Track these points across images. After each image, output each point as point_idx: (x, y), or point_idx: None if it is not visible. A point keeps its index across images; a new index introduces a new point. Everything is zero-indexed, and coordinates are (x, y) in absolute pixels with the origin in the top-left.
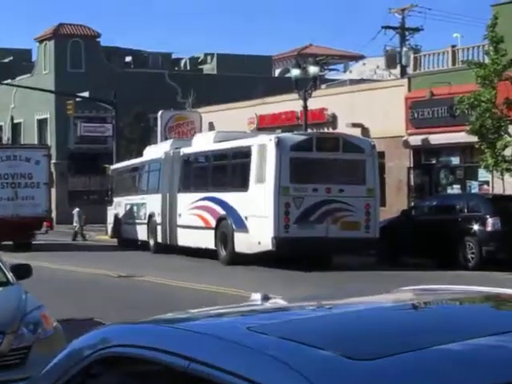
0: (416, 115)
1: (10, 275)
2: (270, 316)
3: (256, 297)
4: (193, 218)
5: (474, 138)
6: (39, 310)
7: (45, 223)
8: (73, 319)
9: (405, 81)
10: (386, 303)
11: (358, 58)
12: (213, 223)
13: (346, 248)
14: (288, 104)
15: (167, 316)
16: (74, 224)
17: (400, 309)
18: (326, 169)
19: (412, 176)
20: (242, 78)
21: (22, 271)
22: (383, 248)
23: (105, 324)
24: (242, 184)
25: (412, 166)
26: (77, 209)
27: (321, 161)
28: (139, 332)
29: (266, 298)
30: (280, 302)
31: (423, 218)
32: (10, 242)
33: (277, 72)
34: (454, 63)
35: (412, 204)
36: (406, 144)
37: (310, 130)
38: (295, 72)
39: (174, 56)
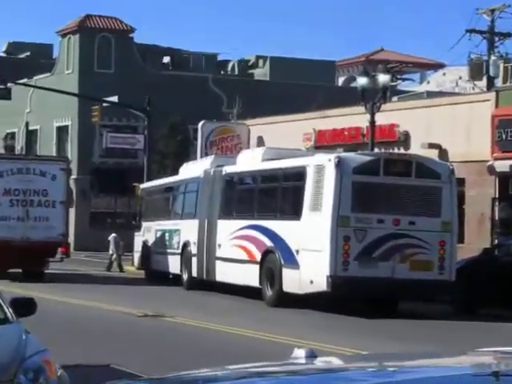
0: (504, 136)
1: (8, 311)
2: (310, 381)
3: (299, 353)
4: (235, 249)
5: None
6: (41, 354)
7: (60, 249)
8: (84, 365)
9: (492, 95)
10: (460, 368)
11: (436, 66)
12: (258, 256)
13: (415, 292)
14: (352, 118)
15: (187, 376)
16: (110, 252)
17: (478, 375)
18: (395, 197)
19: (497, 208)
20: (299, 85)
21: (24, 307)
22: (460, 293)
23: (124, 371)
24: (293, 211)
25: (497, 196)
26: (113, 234)
27: (389, 187)
28: None
29: (311, 357)
30: (330, 360)
31: (509, 258)
32: (19, 270)
33: (340, 80)
34: None
35: (496, 242)
36: (491, 170)
37: (377, 150)
38: (362, 81)
39: (219, 58)
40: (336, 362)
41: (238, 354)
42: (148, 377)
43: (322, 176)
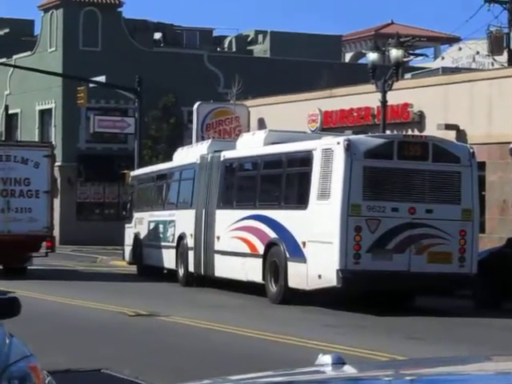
0: None
1: None
2: None
3: (325, 360)
4: (235, 242)
5: None
6: (27, 360)
7: (44, 243)
8: (74, 370)
9: None
10: (485, 376)
11: (451, 40)
12: (261, 249)
13: (433, 286)
14: (361, 98)
15: None
16: None
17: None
18: (411, 183)
19: None
20: (303, 62)
21: (7, 307)
22: (482, 287)
23: (116, 376)
24: (299, 200)
25: None
26: None
27: (404, 172)
28: None
29: (338, 363)
30: (362, 368)
31: None
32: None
33: (348, 56)
34: None
35: None
36: None
37: (389, 132)
38: (372, 56)
39: (215, 33)
40: (369, 369)
41: (241, 357)
42: None
43: (331, 161)
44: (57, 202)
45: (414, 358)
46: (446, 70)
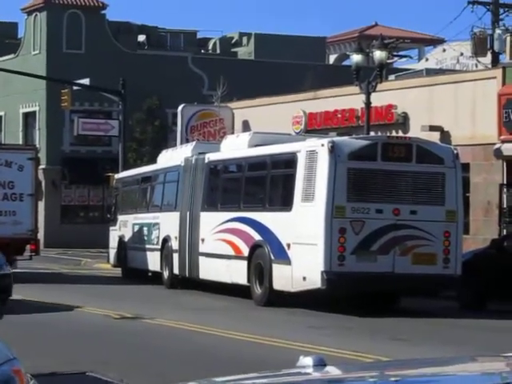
0: None
1: None
2: None
3: (306, 362)
4: (220, 244)
5: None
6: (11, 363)
7: (28, 246)
8: (59, 373)
9: (498, 71)
10: (469, 377)
11: (435, 42)
12: (245, 252)
13: (417, 288)
14: (345, 99)
15: None
16: None
17: None
18: (395, 184)
19: (505, 195)
20: (287, 64)
21: None
22: (466, 288)
23: (101, 379)
24: (284, 202)
25: (505, 182)
26: None
27: (388, 173)
28: None
29: (319, 365)
30: (344, 369)
31: None
32: None
33: (331, 58)
34: None
35: (504, 232)
36: (499, 154)
37: (373, 133)
38: (356, 58)
39: (199, 35)
40: (352, 370)
41: (227, 359)
42: None
43: (315, 162)
44: (41, 205)
45: (398, 359)
46: (430, 72)
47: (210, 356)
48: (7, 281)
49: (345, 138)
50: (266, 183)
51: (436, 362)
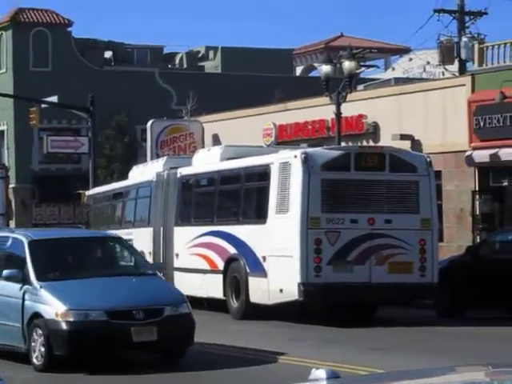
0: (482, 123)
1: None
2: None
3: (319, 374)
4: (194, 258)
5: None
6: None
7: None
8: None
9: (467, 79)
10: None
11: (402, 51)
12: (221, 265)
13: (394, 297)
14: (316, 110)
15: None
16: None
17: None
18: (369, 194)
19: (477, 202)
20: (255, 77)
21: None
22: (443, 296)
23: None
24: (258, 214)
25: (477, 189)
26: None
27: (361, 183)
28: None
29: (332, 377)
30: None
31: (495, 257)
32: None
33: (298, 70)
34: None
35: (478, 239)
36: (470, 161)
37: (344, 144)
38: (325, 69)
39: (166, 50)
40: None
41: (210, 374)
42: None
43: (288, 174)
44: (12, 224)
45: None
46: (399, 81)
47: (188, 370)
48: (189, 324)
49: (318, 149)
50: (239, 196)
51: (443, 371)
